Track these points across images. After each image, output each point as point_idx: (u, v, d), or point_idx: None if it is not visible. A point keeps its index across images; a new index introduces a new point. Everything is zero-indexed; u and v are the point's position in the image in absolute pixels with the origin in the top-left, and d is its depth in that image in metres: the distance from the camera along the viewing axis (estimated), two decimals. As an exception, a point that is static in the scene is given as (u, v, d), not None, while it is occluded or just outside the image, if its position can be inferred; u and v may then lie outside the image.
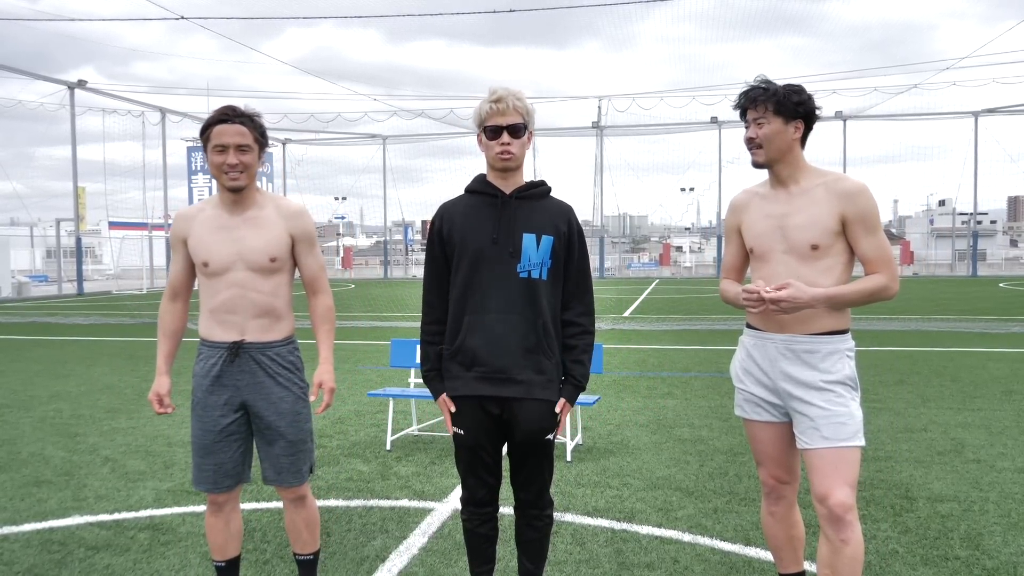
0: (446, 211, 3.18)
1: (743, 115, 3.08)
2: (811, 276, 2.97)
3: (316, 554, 3.53)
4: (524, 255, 3.05)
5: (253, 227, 3.23)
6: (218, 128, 3.14)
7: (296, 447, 3.32)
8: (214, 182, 3.27)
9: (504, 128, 3.02)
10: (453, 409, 3.13)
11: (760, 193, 3.16)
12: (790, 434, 3.15)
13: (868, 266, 2.99)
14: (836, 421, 2.93)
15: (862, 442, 2.96)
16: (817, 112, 3.05)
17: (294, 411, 3.30)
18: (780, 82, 3.05)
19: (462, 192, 3.23)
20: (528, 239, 3.05)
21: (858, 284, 2.94)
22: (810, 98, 3.01)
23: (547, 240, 3.07)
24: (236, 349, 3.22)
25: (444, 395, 3.16)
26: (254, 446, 3.39)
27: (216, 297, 3.23)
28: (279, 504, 4.92)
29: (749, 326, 3.20)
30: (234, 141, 3.13)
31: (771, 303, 2.90)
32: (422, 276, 3.27)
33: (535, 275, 3.05)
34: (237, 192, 3.20)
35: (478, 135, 3.10)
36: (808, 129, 3.05)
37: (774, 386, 3.08)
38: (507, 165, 3.07)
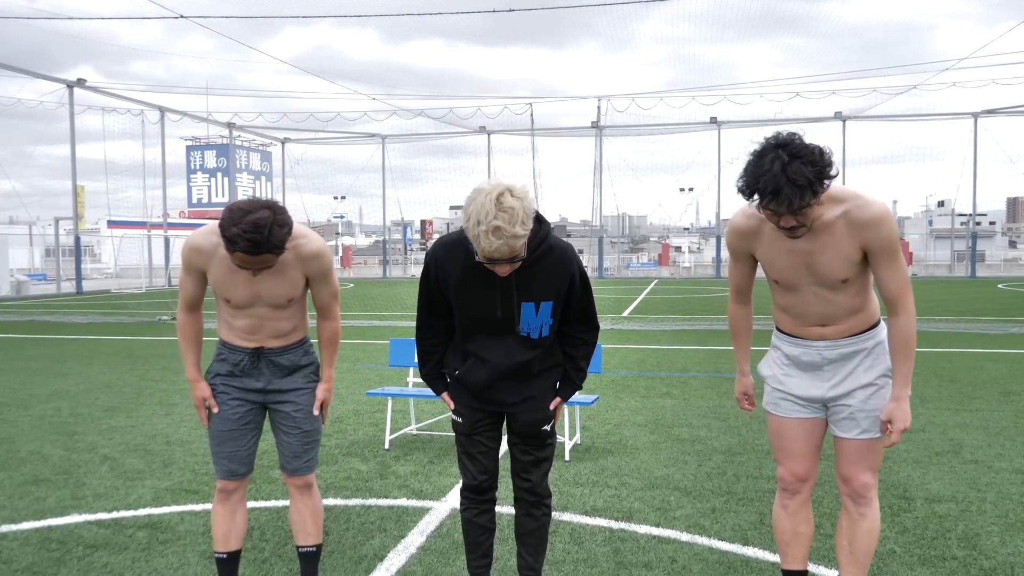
0: (441, 259, 3.07)
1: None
2: (843, 301, 3.01)
3: (319, 548, 3.58)
4: (523, 320, 3.08)
5: (272, 273, 3.21)
6: (241, 257, 2.98)
7: (310, 436, 3.49)
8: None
9: (503, 260, 2.85)
10: (453, 406, 3.31)
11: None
12: (820, 429, 3.21)
13: (886, 295, 2.96)
14: (874, 415, 3.06)
15: None
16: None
17: (311, 405, 3.48)
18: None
19: (459, 232, 2.99)
20: (527, 308, 3.06)
21: (905, 349, 2.96)
22: (825, 158, 2.69)
23: (546, 305, 3.08)
24: (257, 355, 3.38)
25: (446, 393, 3.32)
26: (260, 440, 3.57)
27: (236, 320, 3.34)
28: (278, 503, 4.93)
29: (781, 330, 3.19)
30: (254, 265, 3.04)
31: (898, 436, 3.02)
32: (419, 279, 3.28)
33: (534, 336, 3.12)
34: None
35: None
36: None
37: (821, 388, 3.11)
38: (500, 274, 2.95)
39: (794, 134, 2.71)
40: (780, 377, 3.20)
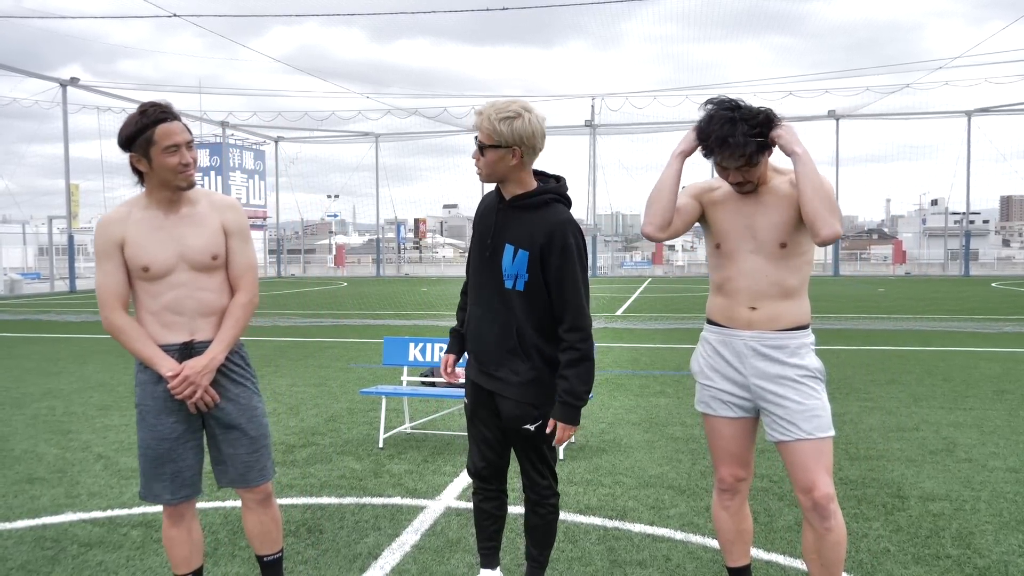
0: (481, 203, 3.34)
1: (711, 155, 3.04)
2: (779, 274, 3.06)
3: (282, 551, 3.43)
4: (504, 263, 3.14)
5: (191, 225, 3.08)
6: (164, 128, 2.97)
7: (258, 443, 3.20)
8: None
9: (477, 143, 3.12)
10: (450, 370, 3.41)
11: (730, 190, 3.19)
12: (752, 430, 3.24)
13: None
14: (812, 414, 3.03)
15: (834, 432, 3.09)
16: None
17: (251, 406, 3.19)
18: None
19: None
20: (507, 250, 3.13)
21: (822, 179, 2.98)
22: (772, 122, 2.98)
23: (523, 254, 3.10)
24: (188, 350, 3.07)
25: (450, 355, 3.43)
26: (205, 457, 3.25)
27: (159, 299, 3.05)
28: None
29: (711, 322, 3.24)
30: (184, 138, 3.00)
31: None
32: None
33: (508, 286, 3.14)
34: (187, 189, 3.08)
35: None
36: None
37: (745, 382, 3.13)
38: (479, 177, 3.16)
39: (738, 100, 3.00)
40: (707, 372, 3.23)
